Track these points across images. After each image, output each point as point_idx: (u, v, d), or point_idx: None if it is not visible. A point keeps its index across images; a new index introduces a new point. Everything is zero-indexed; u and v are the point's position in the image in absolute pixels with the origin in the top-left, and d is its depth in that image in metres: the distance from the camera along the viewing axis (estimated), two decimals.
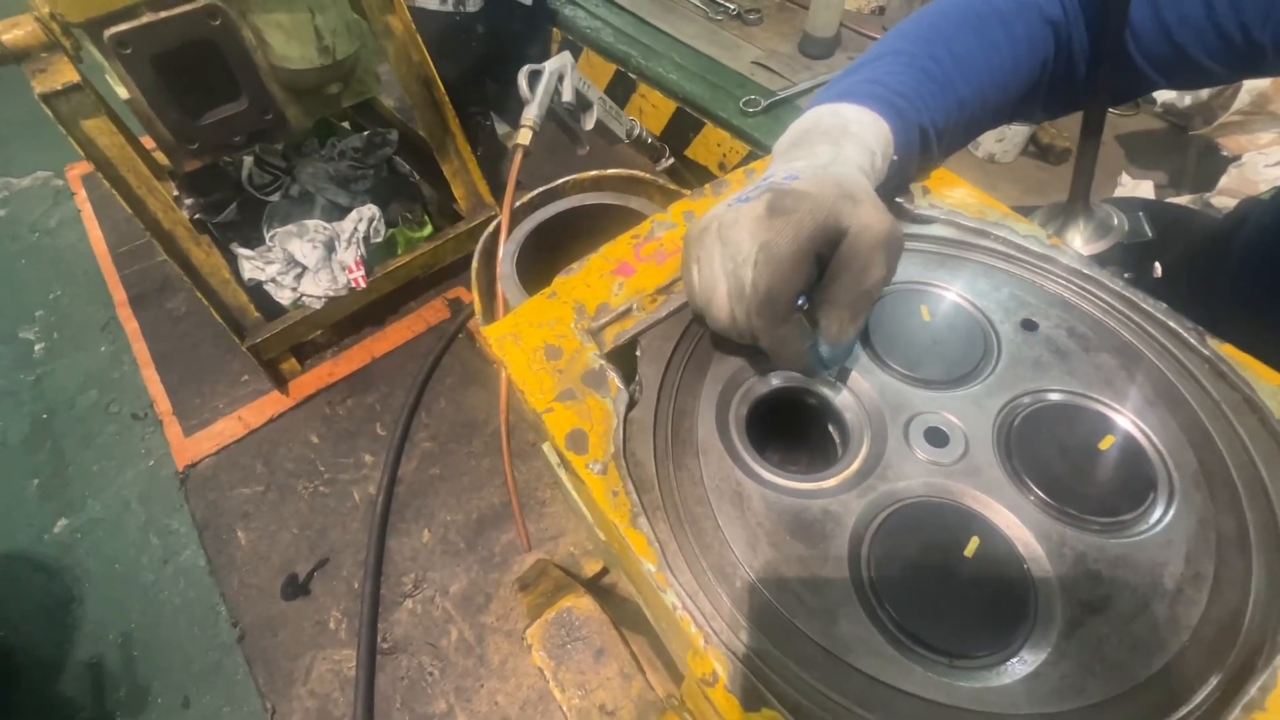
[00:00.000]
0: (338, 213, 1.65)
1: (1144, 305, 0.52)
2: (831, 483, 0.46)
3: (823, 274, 0.44)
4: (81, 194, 2.15)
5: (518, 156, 0.64)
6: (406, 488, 1.44)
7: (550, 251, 0.64)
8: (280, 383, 1.61)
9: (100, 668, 1.26)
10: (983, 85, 0.60)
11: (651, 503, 0.44)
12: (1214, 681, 0.36)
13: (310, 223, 1.57)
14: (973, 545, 0.42)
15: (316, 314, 1.56)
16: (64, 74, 1.15)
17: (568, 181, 0.66)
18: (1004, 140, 1.70)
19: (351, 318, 1.66)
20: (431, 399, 1.59)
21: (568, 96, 0.72)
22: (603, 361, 0.50)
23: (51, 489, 1.50)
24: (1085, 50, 0.62)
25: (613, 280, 0.55)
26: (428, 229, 1.75)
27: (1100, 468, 0.45)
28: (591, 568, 1.19)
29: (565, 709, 0.54)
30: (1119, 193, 1.56)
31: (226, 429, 1.55)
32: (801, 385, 0.51)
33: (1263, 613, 0.39)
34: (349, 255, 1.57)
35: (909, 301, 0.54)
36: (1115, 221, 0.78)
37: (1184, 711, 0.36)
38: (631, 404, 0.49)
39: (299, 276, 1.55)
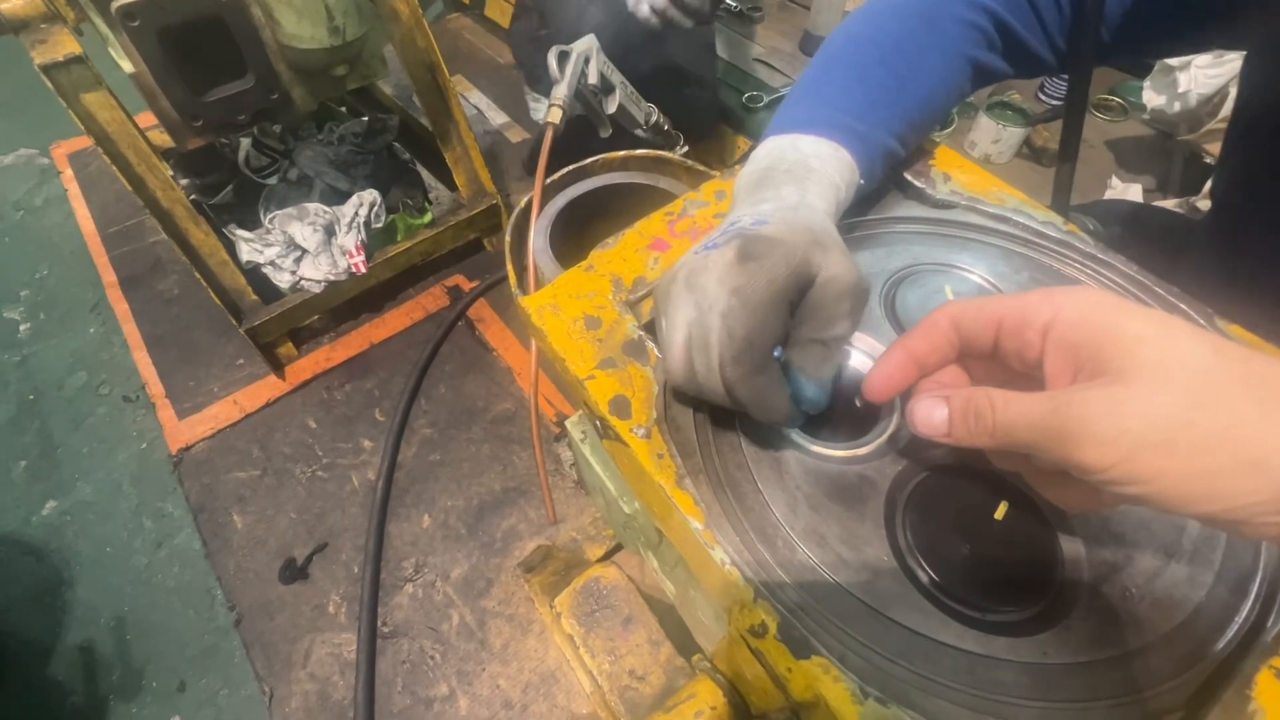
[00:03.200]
0: (336, 197, 1.64)
1: (1156, 288, 0.54)
2: (866, 450, 0.47)
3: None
4: (68, 173, 2.11)
5: (549, 135, 0.65)
6: (406, 473, 1.44)
7: (580, 229, 0.64)
8: (277, 367, 1.59)
9: (92, 651, 1.24)
10: (937, 79, 0.59)
11: (693, 467, 0.45)
12: (1231, 631, 0.39)
13: (311, 206, 1.56)
14: (1002, 509, 0.44)
15: (315, 298, 1.55)
16: (64, 45, 1.13)
17: (597, 161, 0.67)
18: (999, 142, 1.74)
19: (350, 303, 1.65)
20: (431, 386, 1.58)
21: (593, 79, 0.73)
22: (641, 332, 0.51)
23: (40, 471, 1.47)
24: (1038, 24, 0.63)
25: (648, 255, 0.56)
26: (428, 216, 1.75)
27: None
28: (594, 552, 1.20)
29: (595, 674, 0.55)
30: (1109, 194, 1.61)
31: (221, 412, 1.53)
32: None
33: (1274, 572, 0.41)
34: (349, 240, 1.56)
35: (933, 281, 0.56)
36: (1090, 228, 0.83)
37: (1209, 656, 0.38)
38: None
39: (298, 260, 1.53)
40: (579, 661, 0.59)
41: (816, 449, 0.47)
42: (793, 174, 0.50)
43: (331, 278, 1.54)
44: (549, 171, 0.64)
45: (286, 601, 1.27)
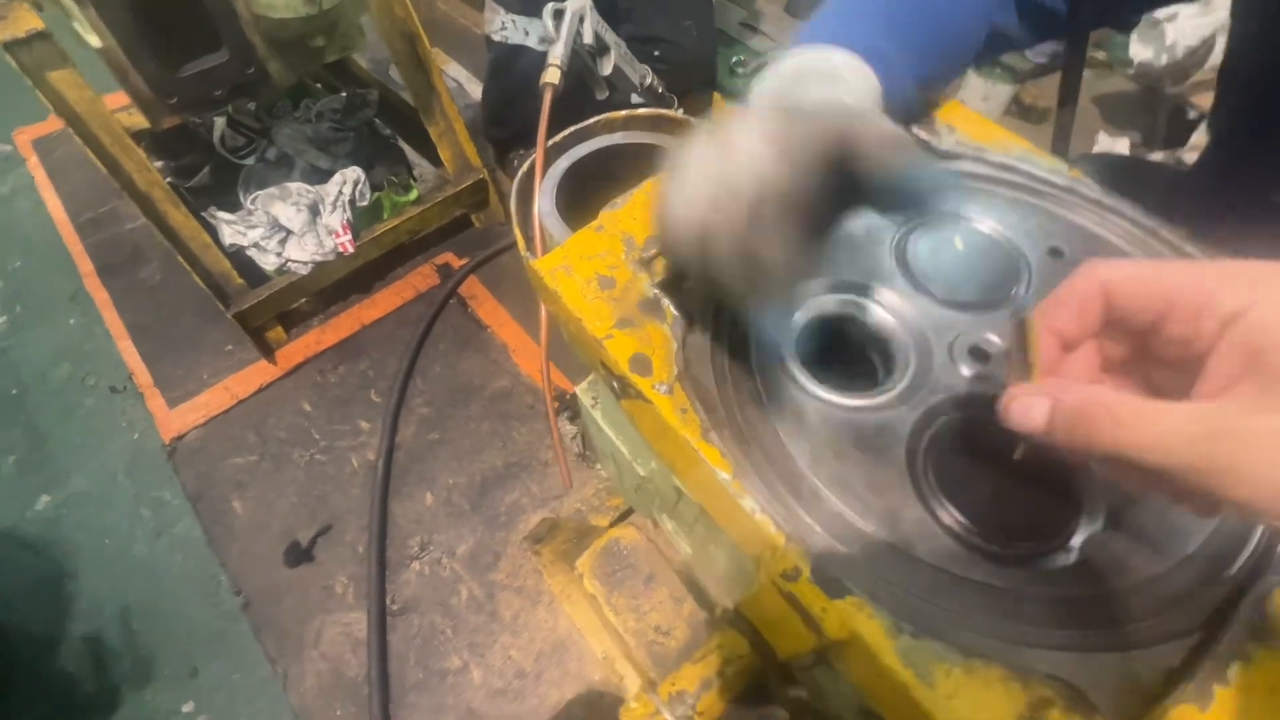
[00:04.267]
0: (317, 176, 1.60)
1: (1161, 232, 0.55)
2: (885, 398, 0.48)
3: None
4: (33, 160, 2.03)
5: (548, 95, 0.63)
6: (406, 453, 1.43)
7: (584, 190, 0.63)
8: (267, 352, 1.57)
9: (99, 642, 1.23)
10: (960, 34, 0.58)
11: (716, 421, 0.46)
12: (1244, 555, 0.40)
13: (293, 185, 1.52)
14: (1021, 449, 0.45)
15: (303, 280, 1.52)
16: (26, 21, 1.09)
17: (598, 121, 0.66)
18: (989, 100, 1.74)
19: (338, 284, 1.63)
20: (425, 365, 1.57)
21: (588, 39, 0.72)
22: (656, 290, 0.51)
23: (30, 465, 1.44)
24: None
25: None
26: (414, 193, 1.71)
27: None
28: (600, 522, 1.21)
29: (621, 631, 0.56)
30: (1096, 149, 1.62)
31: (213, 400, 1.51)
32: (850, 312, 0.53)
33: None
34: (335, 219, 1.52)
35: (942, 231, 0.56)
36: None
37: (1224, 579, 0.39)
38: (689, 329, 0.50)
39: (283, 241, 1.50)
40: (603, 620, 0.60)
41: (836, 399, 0.48)
42: (822, 76, 0.47)
43: (318, 258, 1.51)
44: (548, 134, 0.63)
45: (293, 584, 1.27)
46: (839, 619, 0.37)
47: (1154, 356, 0.31)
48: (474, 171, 1.70)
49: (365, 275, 1.68)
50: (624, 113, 0.65)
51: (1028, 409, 0.31)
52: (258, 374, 1.55)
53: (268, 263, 1.51)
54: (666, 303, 0.50)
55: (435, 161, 1.78)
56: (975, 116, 0.64)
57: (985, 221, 0.57)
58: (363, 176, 1.59)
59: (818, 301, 0.53)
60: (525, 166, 0.61)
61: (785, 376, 0.49)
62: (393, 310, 1.67)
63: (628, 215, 0.55)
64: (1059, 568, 0.40)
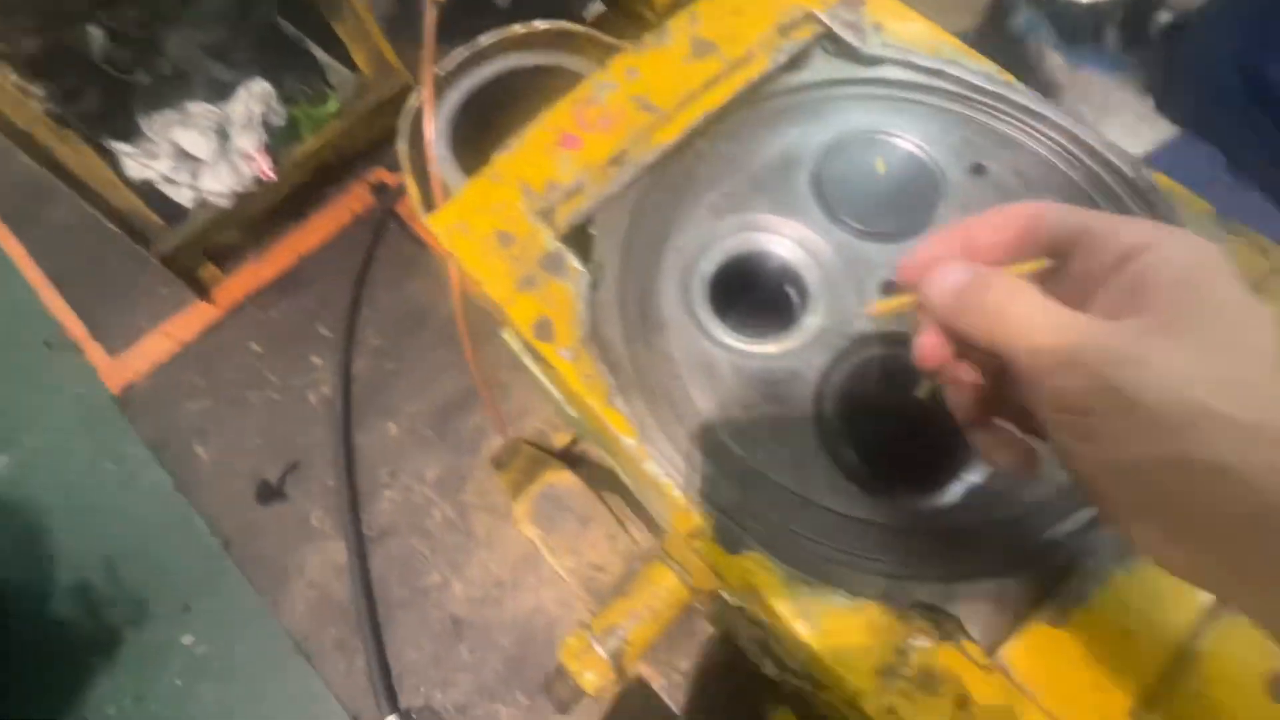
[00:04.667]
0: (221, 93, 1.44)
1: (1086, 139, 0.52)
2: (795, 343, 0.47)
3: None
4: None
5: (431, 15, 0.56)
6: (363, 385, 1.42)
7: (483, 123, 0.58)
8: (203, 292, 1.50)
9: (90, 589, 1.27)
10: None
11: (625, 381, 0.45)
12: None
13: (194, 106, 1.38)
14: (925, 387, 0.45)
15: (227, 213, 1.42)
16: None
17: (493, 42, 0.59)
18: None
19: (267, 214, 1.52)
20: (372, 293, 1.52)
21: None
22: (559, 244, 0.48)
23: None
24: None
25: (557, 154, 0.51)
26: (332, 104, 1.57)
27: None
28: (561, 439, 1.24)
29: (561, 571, 0.59)
30: None
31: (156, 346, 1.47)
32: (759, 250, 0.51)
33: None
34: (248, 142, 1.40)
35: (862, 153, 0.53)
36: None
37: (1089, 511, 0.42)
38: (594, 285, 0.48)
39: (195, 172, 1.39)
40: (545, 559, 0.62)
41: (746, 347, 0.47)
42: None
43: (238, 189, 1.40)
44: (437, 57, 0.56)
45: (270, 521, 1.31)
46: (738, 574, 0.39)
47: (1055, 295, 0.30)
48: (394, 76, 1.55)
49: (295, 201, 1.57)
50: (520, 28, 0.58)
51: (947, 273, 0.30)
52: (197, 316, 1.50)
53: (183, 197, 1.41)
54: (570, 258, 0.48)
55: (352, 65, 1.62)
56: (904, 10, 0.59)
57: (908, 138, 0.54)
58: (271, 91, 1.44)
59: (729, 242, 0.50)
60: (411, 101, 0.55)
61: (695, 327, 0.48)
62: (330, 237, 1.59)
63: (524, 159, 0.51)
64: (946, 505, 0.42)
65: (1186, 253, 0.26)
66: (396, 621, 1.22)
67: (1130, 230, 0.28)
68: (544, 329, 0.45)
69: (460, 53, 0.58)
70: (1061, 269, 0.30)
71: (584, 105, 0.52)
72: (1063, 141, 0.53)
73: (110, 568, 1.29)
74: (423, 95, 0.55)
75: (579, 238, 0.50)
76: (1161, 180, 0.50)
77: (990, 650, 0.37)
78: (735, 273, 0.51)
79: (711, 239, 0.50)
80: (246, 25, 1.51)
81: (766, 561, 0.39)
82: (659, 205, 0.51)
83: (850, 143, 0.54)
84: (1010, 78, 0.55)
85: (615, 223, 0.50)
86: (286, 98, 1.50)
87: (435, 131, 0.54)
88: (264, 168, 1.42)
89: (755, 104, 0.55)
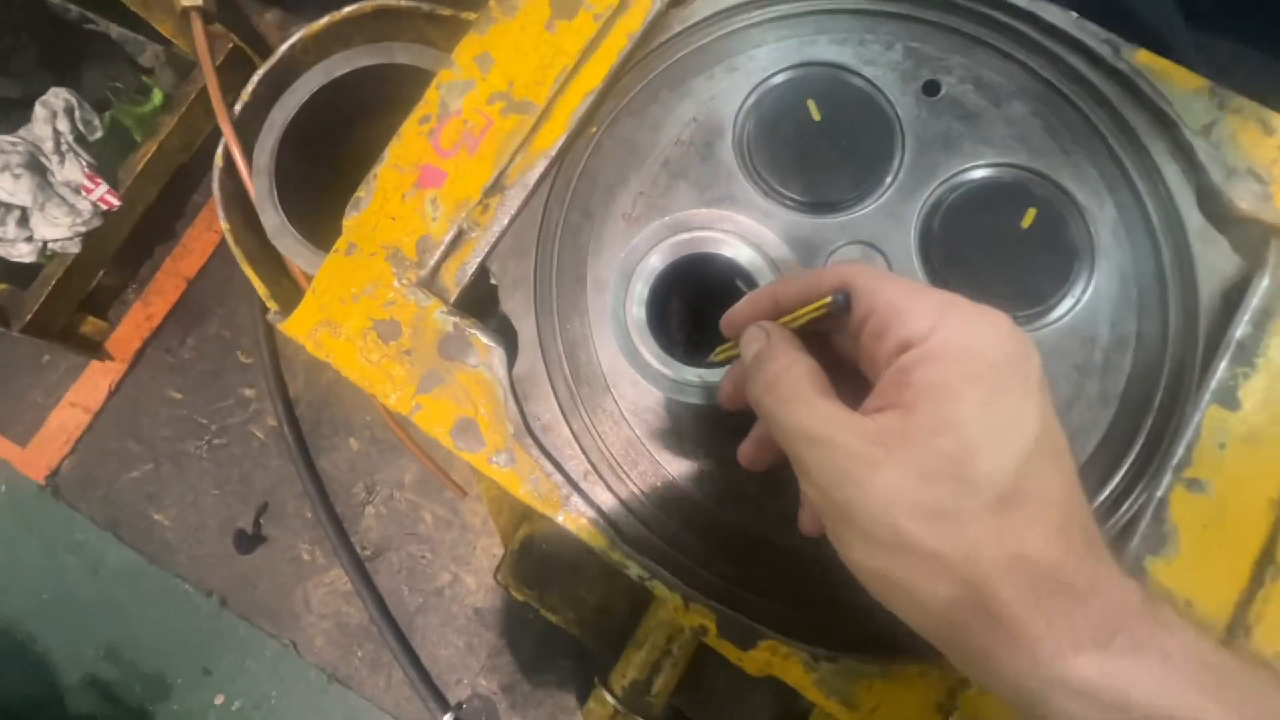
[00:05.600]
0: (12, 114, 1.19)
1: (1048, 19, 0.43)
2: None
3: None
4: None
5: (197, 27, 0.41)
6: (307, 406, 1.32)
7: (319, 159, 0.46)
8: (93, 349, 1.33)
9: (100, 680, 1.24)
10: None
11: (576, 474, 0.38)
12: (1139, 445, 0.38)
13: None
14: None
15: (81, 258, 1.23)
16: None
17: (295, 44, 0.44)
18: None
19: (132, 244, 1.32)
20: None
21: None
22: (455, 319, 0.39)
23: None
24: None
25: (421, 199, 0.40)
26: (156, 95, 1.31)
27: (1025, 248, 0.41)
28: None
29: (563, 625, 0.55)
30: None
31: (66, 421, 1.32)
32: (701, 252, 0.42)
33: (1179, 349, 0.40)
34: (70, 170, 1.18)
35: (789, 99, 0.43)
36: None
37: (1118, 478, 0.38)
38: (512, 357, 0.39)
39: (22, 221, 1.17)
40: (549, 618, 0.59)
41: (707, 378, 0.40)
42: None
43: (81, 228, 1.20)
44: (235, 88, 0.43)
45: (259, 568, 1.26)
46: (757, 664, 0.35)
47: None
48: (221, 41, 1.29)
49: (157, 221, 1.37)
50: (325, 21, 0.43)
51: (751, 339, 0.31)
52: (99, 377, 1.34)
53: (22, 253, 1.20)
54: (473, 333, 0.39)
55: (159, 37, 1.34)
56: None
57: (839, 64, 0.43)
58: (73, 98, 1.19)
59: (655, 260, 0.41)
60: (220, 159, 0.42)
61: (643, 376, 0.40)
62: (214, 251, 1.40)
63: (380, 215, 0.40)
64: None
65: (955, 357, 0.25)
66: (419, 627, 1.22)
67: (912, 320, 0.26)
68: (466, 434, 0.38)
69: (261, 70, 0.44)
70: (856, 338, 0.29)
71: (437, 123, 0.40)
72: (1022, 27, 0.43)
73: (113, 655, 1.25)
74: (229, 145, 0.42)
75: (478, 299, 0.41)
76: (1146, 59, 0.41)
77: None
78: (676, 285, 0.43)
79: (635, 259, 0.41)
80: (12, 17, 1.22)
81: (785, 648, 0.35)
82: (565, 230, 0.41)
83: (772, 89, 0.43)
84: None
85: (517, 268, 0.41)
86: (97, 100, 1.25)
87: (258, 192, 0.42)
88: (102, 195, 1.21)
89: (646, 64, 0.43)
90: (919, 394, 0.25)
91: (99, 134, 1.22)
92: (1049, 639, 0.22)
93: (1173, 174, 0.41)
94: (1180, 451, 0.36)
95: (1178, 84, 0.41)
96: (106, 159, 1.24)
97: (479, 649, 1.22)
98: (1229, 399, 0.36)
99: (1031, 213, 0.41)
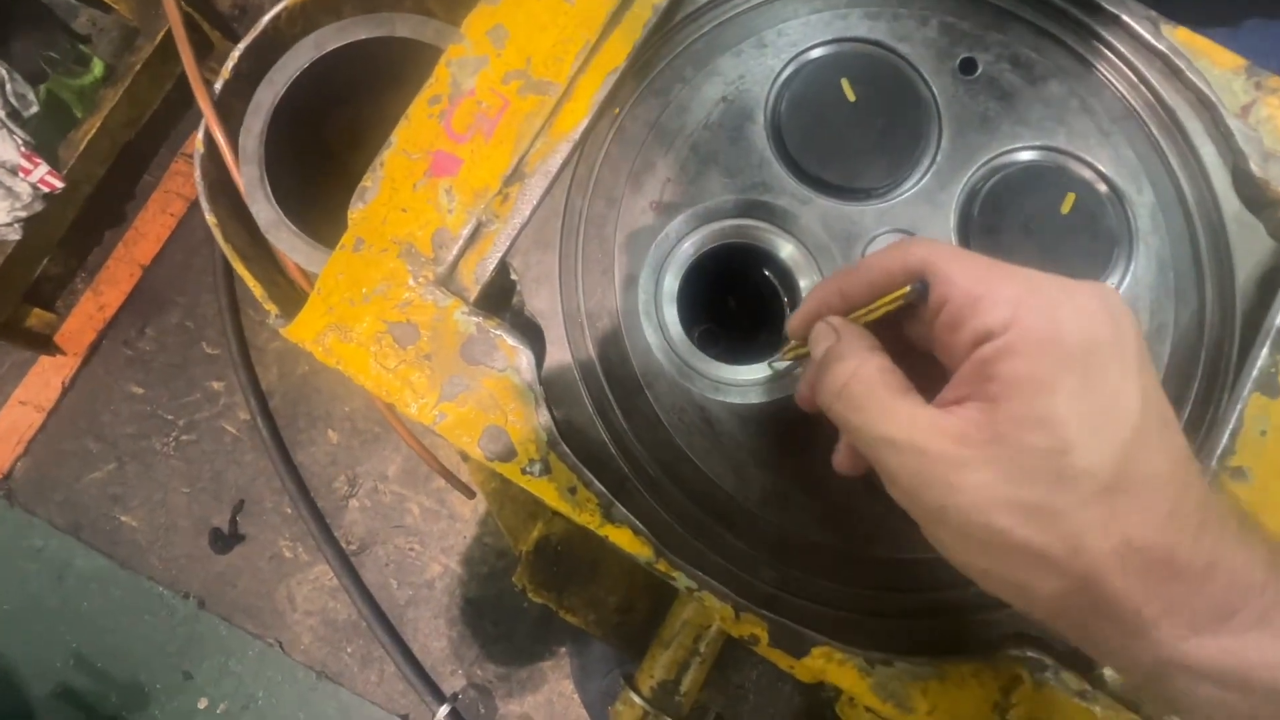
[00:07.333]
0: None
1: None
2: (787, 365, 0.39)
3: None
4: None
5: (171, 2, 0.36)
6: (281, 398, 1.26)
7: (310, 143, 0.42)
8: (42, 343, 1.25)
9: (72, 690, 1.19)
10: None
11: (615, 482, 0.36)
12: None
13: None
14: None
15: (24, 245, 1.14)
16: None
17: (280, 14, 0.40)
18: None
19: (78, 229, 1.23)
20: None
21: None
22: (478, 320, 0.36)
23: None
24: None
25: (434, 188, 0.37)
26: (97, 66, 1.21)
27: (1065, 235, 0.40)
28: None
29: (584, 626, 0.54)
30: None
31: (17, 421, 1.24)
32: (735, 242, 0.40)
33: (1216, 335, 0.39)
34: (7, 150, 1.08)
35: (825, 80, 0.41)
36: None
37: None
38: (540, 358, 0.37)
39: None
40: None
41: (744, 377, 0.38)
42: None
43: (22, 212, 1.11)
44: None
45: (238, 566, 1.21)
46: (811, 672, 0.34)
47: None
48: (159, 10, 1.19)
49: (105, 202, 1.27)
50: None
51: (819, 336, 0.29)
52: (50, 372, 1.26)
53: None
54: (499, 334, 0.36)
55: (94, 2, 1.23)
56: None
57: (874, 40, 0.41)
58: (3, 71, 1.09)
59: (686, 248, 0.39)
60: (201, 144, 0.38)
61: (678, 373, 0.38)
62: (169, 233, 1.32)
63: (389, 207, 0.37)
64: None
65: (1040, 348, 0.23)
66: (410, 620, 1.19)
67: (990, 311, 0.24)
68: (498, 443, 0.35)
69: (240, 46, 0.39)
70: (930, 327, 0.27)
71: (448, 105, 0.37)
72: (1063, 4, 0.41)
73: (84, 664, 1.19)
74: (206, 125, 0.37)
75: (500, 295, 0.38)
76: (1185, 36, 0.40)
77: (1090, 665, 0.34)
78: (707, 284, 0.41)
79: (666, 250, 0.39)
80: None
81: (838, 654, 0.34)
82: (589, 220, 0.39)
83: (804, 68, 0.41)
84: None
85: (541, 263, 0.38)
86: (31, 73, 1.14)
87: (247, 182, 0.38)
88: (42, 176, 1.11)
89: (672, 39, 0.40)
90: (1004, 387, 0.23)
91: (34, 109, 1.12)
92: (1166, 625, 0.22)
93: (1209, 156, 0.40)
94: (1224, 440, 0.35)
95: (1216, 63, 0.40)
96: (44, 136, 1.15)
97: (473, 640, 1.21)
98: (1270, 386, 0.36)
99: (1071, 198, 0.40)
